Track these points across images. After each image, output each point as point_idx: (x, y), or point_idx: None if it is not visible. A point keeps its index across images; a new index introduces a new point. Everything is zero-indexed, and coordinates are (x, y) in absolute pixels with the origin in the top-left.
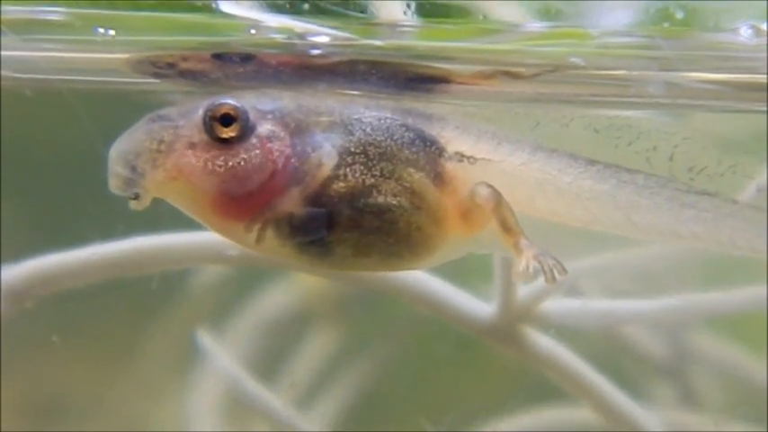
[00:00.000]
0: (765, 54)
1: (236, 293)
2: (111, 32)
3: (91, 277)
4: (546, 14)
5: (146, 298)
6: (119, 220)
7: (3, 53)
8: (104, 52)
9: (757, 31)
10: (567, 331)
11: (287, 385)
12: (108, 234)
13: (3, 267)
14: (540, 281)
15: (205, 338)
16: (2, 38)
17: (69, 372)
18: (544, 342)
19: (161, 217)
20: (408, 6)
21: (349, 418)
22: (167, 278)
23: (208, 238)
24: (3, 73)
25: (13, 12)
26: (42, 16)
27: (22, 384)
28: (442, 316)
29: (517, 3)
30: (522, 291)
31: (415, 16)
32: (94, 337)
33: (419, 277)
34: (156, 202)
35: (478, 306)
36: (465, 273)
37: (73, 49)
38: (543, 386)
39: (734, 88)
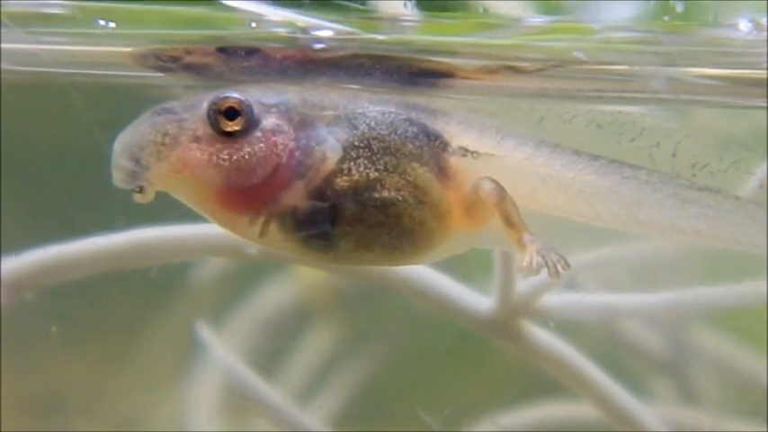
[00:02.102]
0: (765, 49)
1: (236, 287)
2: (112, 25)
3: (90, 269)
4: (545, 8)
5: (145, 291)
6: (119, 213)
7: (4, 46)
8: (107, 45)
9: (757, 26)
10: (566, 326)
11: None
12: (108, 226)
13: (2, 259)
14: (540, 275)
15: (205, 332)
16: (3, 30)
17: (67, 365)
18: (543, 336)
19: (162, 209)
20: None
21: (348, 412)
22: (167, 271)
23: (209, 230)
24: (4, 66)
25: (14, 4)
26: (44, 9)
27: (20, 378)
28: (441, 310)
29: None
30: (522, 285)
31: (414, 9)
32: (93, 330)
33: (419, 271)
34: (158, 194)
35: (478, 300)
36: (464, 266)
37: (75, 42)
38: (542, 380)
39: (735, 84)
